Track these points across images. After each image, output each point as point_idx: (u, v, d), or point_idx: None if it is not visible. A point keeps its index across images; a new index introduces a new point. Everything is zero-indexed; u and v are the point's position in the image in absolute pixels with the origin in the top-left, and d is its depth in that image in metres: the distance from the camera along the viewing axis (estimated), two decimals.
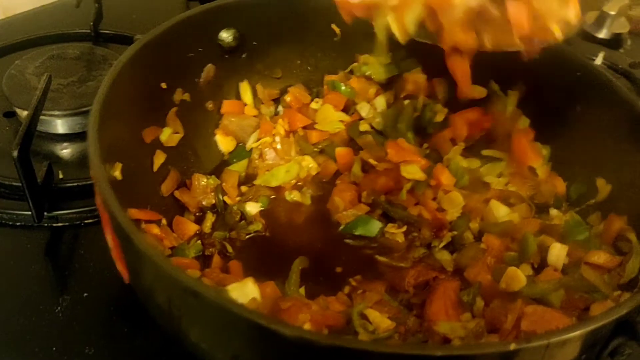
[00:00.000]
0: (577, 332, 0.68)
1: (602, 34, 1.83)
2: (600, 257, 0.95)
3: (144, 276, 0.77)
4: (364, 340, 0.80)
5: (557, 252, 0.97)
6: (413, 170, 1.13)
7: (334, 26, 1.25)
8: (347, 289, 1.02)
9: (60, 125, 1.31)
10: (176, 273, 0.68)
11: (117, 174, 0.93)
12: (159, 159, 1.09)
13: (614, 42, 1.82)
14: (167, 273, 0.68)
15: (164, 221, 1.04)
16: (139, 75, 1.02)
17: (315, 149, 1.24)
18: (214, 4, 1.16)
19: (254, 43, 1.23)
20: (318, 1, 1.22)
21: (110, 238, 0.81)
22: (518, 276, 0.93)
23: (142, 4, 1.75)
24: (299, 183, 1.21)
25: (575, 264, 0.96)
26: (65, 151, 1.30)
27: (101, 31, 1.58)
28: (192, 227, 1.07)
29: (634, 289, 0.89)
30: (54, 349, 0.95)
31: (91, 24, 1.57)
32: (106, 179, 0.76)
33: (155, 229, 0.98)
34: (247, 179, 1.20)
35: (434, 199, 1.14)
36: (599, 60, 1.68)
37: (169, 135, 1.11)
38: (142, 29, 1.07)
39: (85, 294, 1.03)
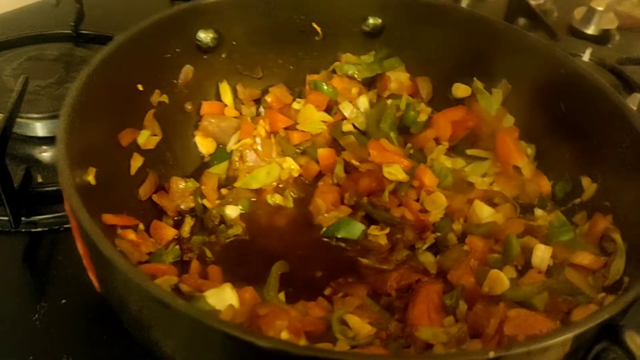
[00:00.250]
0: (559, 339, 0.66)
1: (590, 30, 1.83)
2: (585, 258, 0.93)
3: (114, 286, 0.75)
4: (340, 350, 0.78)
5: (541, 254, 0.96)
6: (395, 171, 1.12)
7: (315, 25, 1.24)
8: (328, 292, 1.01)
9: (40, 128, 1.29)
10: (145, 284, 0.66)
11: (91, 178, 0.91)
12: (137, 162, 1.06)
13: (602, 38, 1.81)
14: (136, 284, 0.66)
15: (141, 226, 1.01)
16: (114, 77, 0.99)
17: (297, 150, 1.21)
18: (190, 4, 1.14)
19: (234, 43, 1.20)
20: (294, 3, 1.21)
21: (80, 246, 0.79)
22: (501, 279, 0.91)
23: (125, 3, 1.72)
24: (280, 185, 1.19)
25: (560, 266, 0.94)
26: (45, 154, 1.28)
27: (82, 32, 1.56)
28: (170, 232, 1.05)
29: (618, 291, 0.87)
30: (31, 357, 0.93)
31: (72, 24, 1.55)
32: (73, 185, 0.74)
33: (131, 235, 0.96)
34: (228, 182, 1.18)
35: (417, 200, 1.12)
36: (586, 57, 1.67)
37: (147, 137, 1.08)
38: (125, 29, 1.05)
39: (63, 301, 1.01)
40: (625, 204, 0.98)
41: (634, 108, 1.43)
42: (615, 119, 1.00)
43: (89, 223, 0.70)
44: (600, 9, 1.82)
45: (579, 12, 1.87)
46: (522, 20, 1.83)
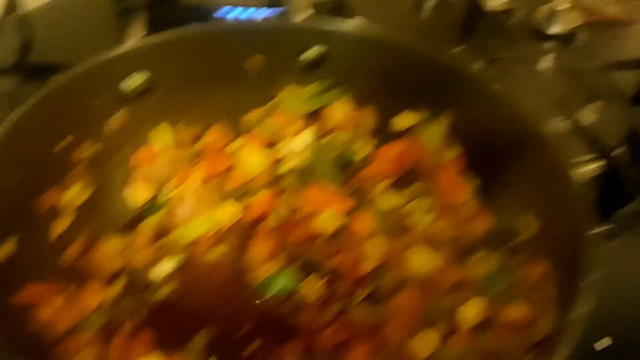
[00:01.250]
0: None
1: (553, 30, 1.77)
2: (518, 311, 0.90)
3: None
4: None
5: (474, 309, 0.92)
6: (329, 218, 1.08)
7: (254, 58, 1.19)
8: (248, 352, 0.98)
9: None
10: None
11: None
12: (61, 223, 1.03)
13: (566, 38, 1.76)
14: None
15: (63, 294, 0.98)
16: (32, 137, 0.97)
17: (236, 193, 1.17)
18: (117, 52, 1.10)
19: (167, 84, 1.16)
20: (230, 38, 1.17)
21: None
22: (428, 340, 0.88)
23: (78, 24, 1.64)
24: (218, 234, 1.14)
25: (489, 322, 0.90)
26: None
27: (30, 61, 1.50)
28: (96, 296, 1.01)
29: (548, 351, 0.83)
30: None
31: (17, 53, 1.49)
32: None
33: (48, 310, 0.93)
34: (162, 234, 1.13)
35: (354, 246, 1.08)
36: (547, 63, 1.62)
37: (74, 194, 1.05)
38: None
39: None
40: (565, 247, 0.94)
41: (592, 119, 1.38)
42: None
43: None
44: (563, 7, 1.76)
45: (541, 12, 1.81)
46: (482, 24, 1.78)
